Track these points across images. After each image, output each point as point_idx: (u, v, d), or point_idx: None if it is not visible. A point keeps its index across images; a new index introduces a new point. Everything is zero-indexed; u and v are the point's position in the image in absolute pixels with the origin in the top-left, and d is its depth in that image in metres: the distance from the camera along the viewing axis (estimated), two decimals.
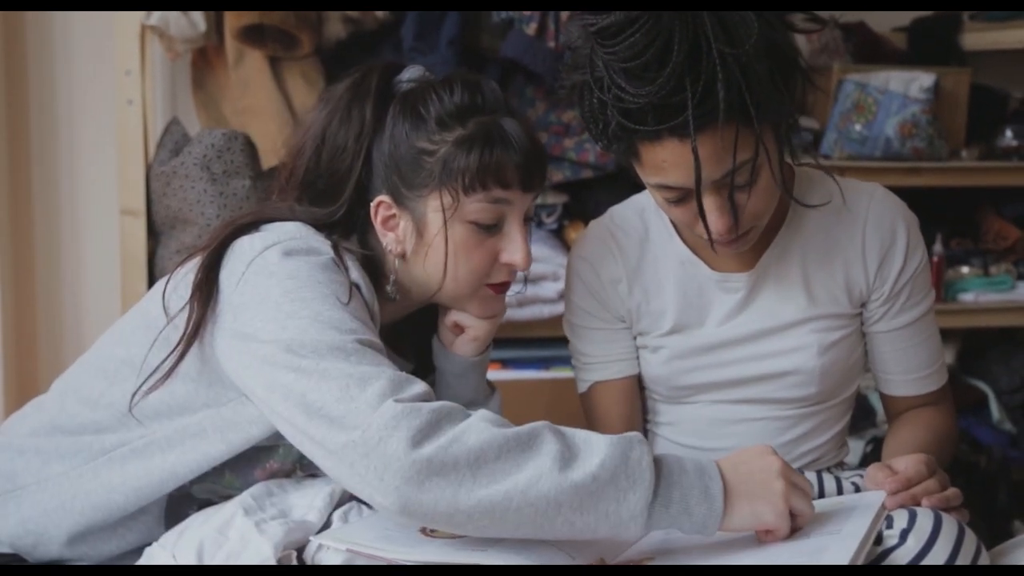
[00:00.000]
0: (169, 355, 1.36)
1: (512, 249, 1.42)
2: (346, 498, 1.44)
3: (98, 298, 2.65)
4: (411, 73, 1.47)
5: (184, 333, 1.35)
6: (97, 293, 2.65)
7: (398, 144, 1.41)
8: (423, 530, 1.30)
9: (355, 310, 1.31)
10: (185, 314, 1.35)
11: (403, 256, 1.44)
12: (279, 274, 1.30)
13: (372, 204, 1.42)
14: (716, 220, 1.36)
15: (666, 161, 1.33)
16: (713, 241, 1.40)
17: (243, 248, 1.35)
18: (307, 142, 1.45)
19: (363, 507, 1.42)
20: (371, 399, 1.18)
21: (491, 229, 1.41)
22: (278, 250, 1.33)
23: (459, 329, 1.52)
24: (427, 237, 1.41)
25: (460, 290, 1.44)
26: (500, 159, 1.38)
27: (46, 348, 2.65)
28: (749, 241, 1.45)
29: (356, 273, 1.37)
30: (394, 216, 1.42)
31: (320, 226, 1.41)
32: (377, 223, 1.43)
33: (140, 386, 1.37)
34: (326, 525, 1.38)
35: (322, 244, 1.35)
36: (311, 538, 1.32)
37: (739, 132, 1.30)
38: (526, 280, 1.60)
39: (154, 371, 1.36)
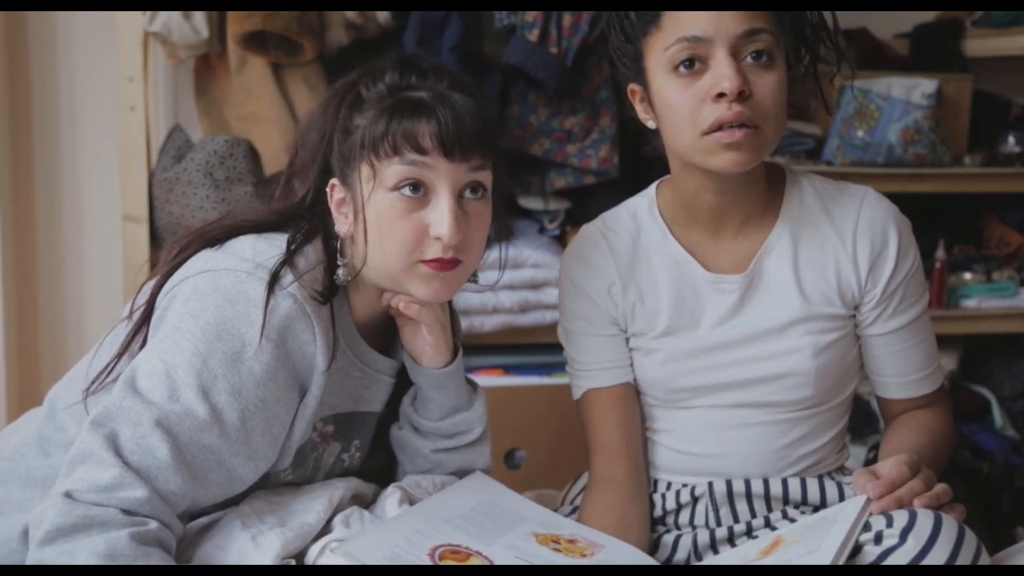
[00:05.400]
0: (112, 359, 1.40)
1: (437, 220, 1.39)
2: (346, 503, 1.44)
3: (100, 304, 2.65)
4: None
5: (125, 338, 1.41)
6: (99, 299, 2.65)
7: (343, 126, 1.42)
8: (431, 554, 1.31)
9: (250, 365, 1.31)
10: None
11: (352, 238, 1.44)
12: (189, 305, 1.33)
13: (328, 188, 1.44)
14: (731, 75, 1.39)
15: (689, 13, 1.41)
16: (720, 128, 1.41)
17: (191, 263, 1.39)
18: (296, 139, 1.49)
19: (364, 512, 1.43)
20: (67, 482, 1.24)
21: (416, 196, 1.38)
22: (210, 279, 1.35)
23: (405, 319, 1.50)
24: (358, 210, 1.41)
25: (391, 265, 1.41)
26: (415, 125, 1.37)
27: (49, 354, 2.66)
28: (753, 148, 1.43)
29: (294, 306, 1.35)
30: (344, 199, 1.43)
31: (287, 223, 1.43)
32: (333, 207, 1.44)
33: (88, 387, 1.39)
34: (327, 530, 1.38)
35: (258, 283, 1.34)
36: (315, 544, 1.33)
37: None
38: (503, 267, 1.59)
39: (99, 374, 1.40)
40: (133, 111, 2.38)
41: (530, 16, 2.35)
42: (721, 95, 1.40)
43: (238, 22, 2.29)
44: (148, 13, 2.31)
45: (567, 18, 2.35)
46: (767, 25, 1.42)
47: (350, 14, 2.33)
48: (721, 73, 1.40)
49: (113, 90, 2.42)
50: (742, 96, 1.40)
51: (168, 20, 2.30)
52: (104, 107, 2.57)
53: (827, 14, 1.51)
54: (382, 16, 2.34)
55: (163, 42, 2.35)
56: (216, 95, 2.48)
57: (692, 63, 1.42)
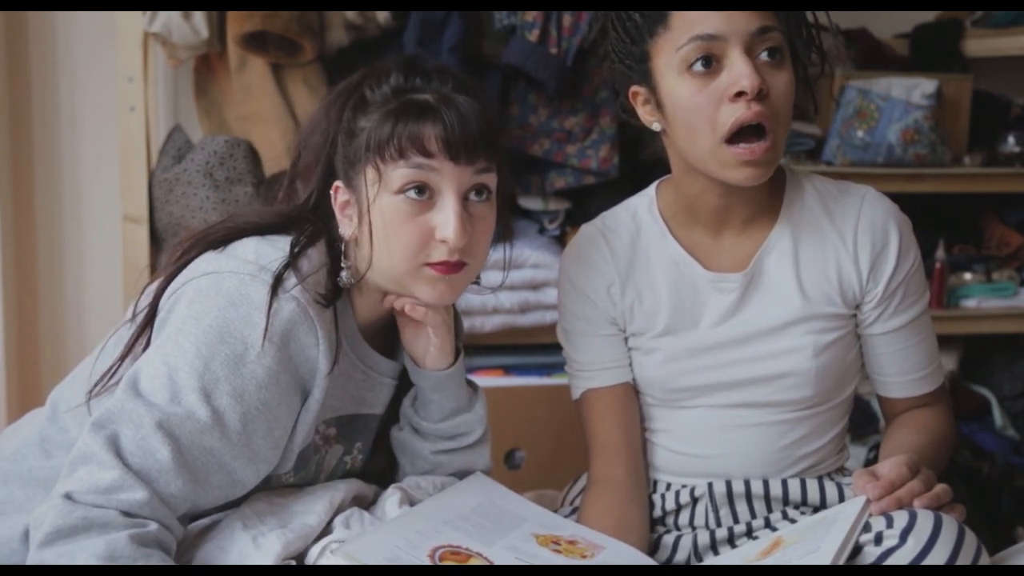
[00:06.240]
0: (115, 362, 1.40)
1: (443, 223, 1.38)
2: (347, 504, 1.44)
3: (100, 305, 2.65)
4: None
5: (128, 340, 1.40)
6: (100, 300, 2.65)
7: (348, 129, 1.42)
8: (431, 555, 1.31)
9: (252, 368, 1.31)
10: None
11: (356, 241, 1.43)
12: (192, 307, 1.33)
13: (332, 191, 1.44)
14: (750, 73, 1.38)
15: (700, 12, 1.40)
16: (737, 139, 1.40)
17: (195, 266, 1.39)
18: (299, 141, 1.49)
19: (364, 513, 1.43)
20: (68, 483, 1.24)
21: (421, 199, 1.38)
22: (213, 281, 1.34)
23: (406, 321, 1.50)
24: (363, 213, 1.41)
25: (396, 268, 1.41)
26: (421, 128, 1.37)
27: (49, 355, 2.66)
28: (771, 162, 1.44)
29: (297, 309, 1.35)
30: (349, 201, 1.43)
31: (290, 225, 1.43)
32: (337, 210, 1.44)
33: (91, 390, 1.39)
34: (327, 531, 1.38)
35: (262, 286, 1.34)
36: (316, 545, 1.33)
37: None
38: (507, 267, 1.58)
39: (101, 376, 1.39)
40: (133, 111, 2.38)
41: (530, 16, 2.35)
42: (740, 94, 1.39)
43: (238, 22, 2.29)
44: (148, 13, 2.31)
45: (567, 18, 2.35)
46: (777, 23, 1.41)
47: (350, 14, 2.33)
48: (739, 72, 1.38)
49: (113, 90, 2.42)
50: (760, 95, 1.39)
51: (168, 20, 2.30)
52: (104, 107, 2.57)
53: (821, 14, 1.51)
54: (382, 16, 2.34)
55: (163, 42, 2.35)
56: (216, 95, 2.48)
57: (708, 61, 1.40)
